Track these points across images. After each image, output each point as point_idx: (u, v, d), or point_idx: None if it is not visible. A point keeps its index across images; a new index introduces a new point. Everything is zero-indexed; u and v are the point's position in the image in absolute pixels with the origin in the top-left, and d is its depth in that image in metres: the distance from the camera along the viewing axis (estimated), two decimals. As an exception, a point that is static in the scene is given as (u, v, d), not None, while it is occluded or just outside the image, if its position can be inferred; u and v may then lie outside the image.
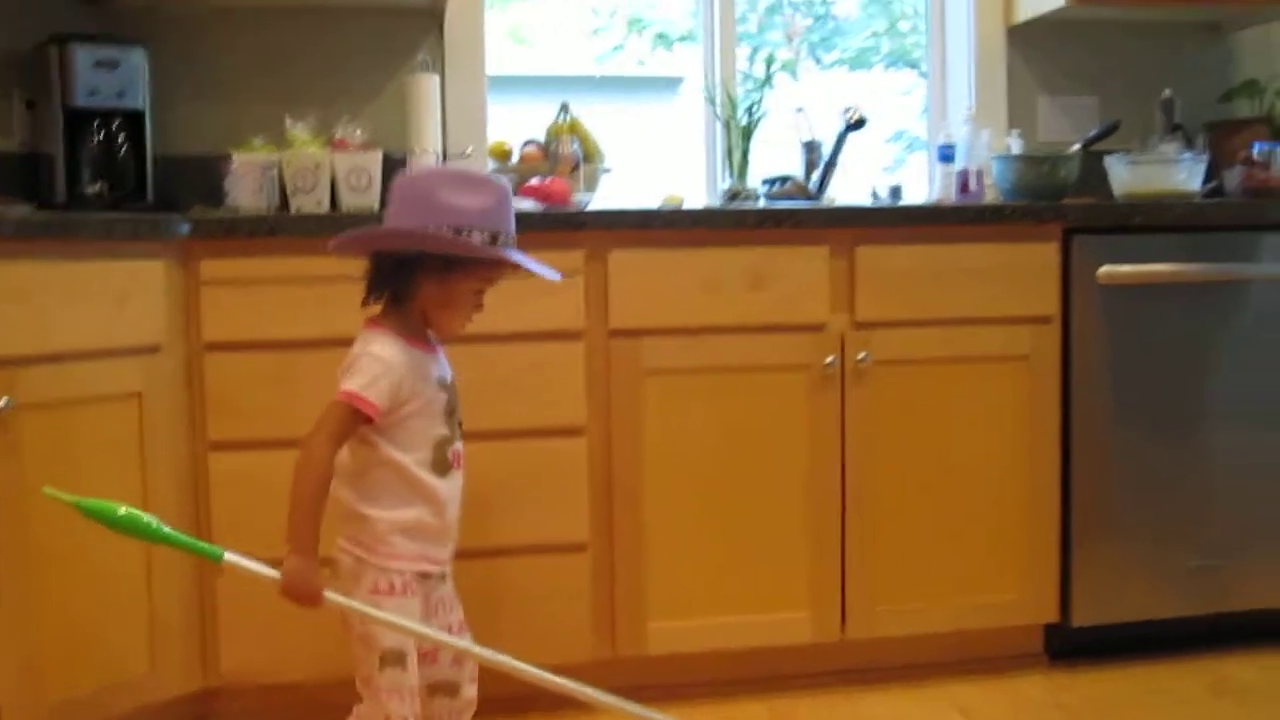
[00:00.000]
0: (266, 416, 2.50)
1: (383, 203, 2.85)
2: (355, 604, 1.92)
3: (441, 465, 1.99)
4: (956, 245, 2.74)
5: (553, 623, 2.63)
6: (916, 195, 3.56)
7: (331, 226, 2.50)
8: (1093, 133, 3.28)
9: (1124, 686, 2.78)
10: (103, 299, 2.35)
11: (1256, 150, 3.14)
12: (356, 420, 1.91)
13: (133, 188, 2.90)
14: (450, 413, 2.02)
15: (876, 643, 2.79)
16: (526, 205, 2.74)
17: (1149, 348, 2.86)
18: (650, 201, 3.03)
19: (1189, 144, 3.37)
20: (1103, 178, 3.17)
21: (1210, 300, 2.88)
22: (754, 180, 3.26)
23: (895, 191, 3.30)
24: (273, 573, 1.88)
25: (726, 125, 3.34)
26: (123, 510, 1.83)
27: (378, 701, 1.96)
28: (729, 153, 3.32)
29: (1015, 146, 3.34)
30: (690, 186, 3.45)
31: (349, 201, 2.80)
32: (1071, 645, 2.92)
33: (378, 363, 1.93)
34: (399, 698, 1.95)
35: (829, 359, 2.67)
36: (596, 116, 3.26)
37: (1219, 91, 3.60)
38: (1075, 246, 2.80)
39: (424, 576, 2.00)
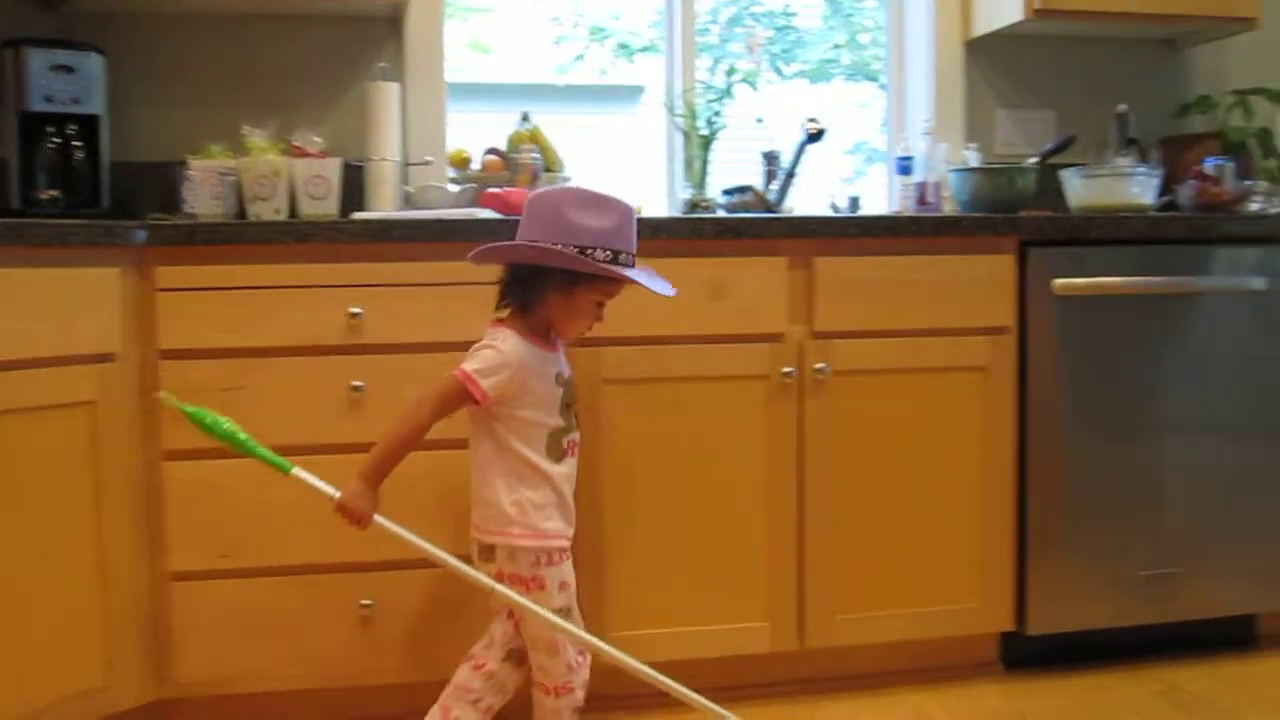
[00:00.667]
0: (222, 425, 2.48)
1: (343, 211, 2.85)
2: (406, 532, 2.16)
3: (556, 453, 2.21)
4: (914, 257, 2.76)
5: (511, 632, 2.62)
6: (875, 207, 3.58)
7: (290, 234, 2.50)
8: (1049, 146, 3.31)
9: (1078, 694, 2.80)
10: (56, 306, 2.33)
11: (1209, 165, 3.18)
12: (464, 399, 2.15)
13: (88, 194, 2.87)
14: (567, 406, 2.24)
15: (835, 651, 2.80)
16: (485, 214, 2.74)
17: (1104, 359, 2.88)
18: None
19: (1144, 158, 3.41)
20: (1059, 191, 3.21)
21: (1164, 312, 2.91)
22: (713, 190, 3.27)
23: (854, 203, 3.32)
24: (333, 490, 2.12)
25: (686, 135, 3.36)
26: (226, 424, 2.10)
27: (555, 653, 2.23)
28: (689, 163, 3.33)
29: (973, 159, 3.37)
30: (650, 196, 3.46)
31: (308, 209, 2.79)
32: (1027, 653, 2.94)
33: (499, 356, 2.16)
34: (565, 651, 2.24)
35: (787, 369, 2.68)
36: (557, 126, 3.26)
37: (1173, 107, 3.65)
38: (1031, 258, 2.83)
39: (561, 555, 2.21)
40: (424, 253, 2.56)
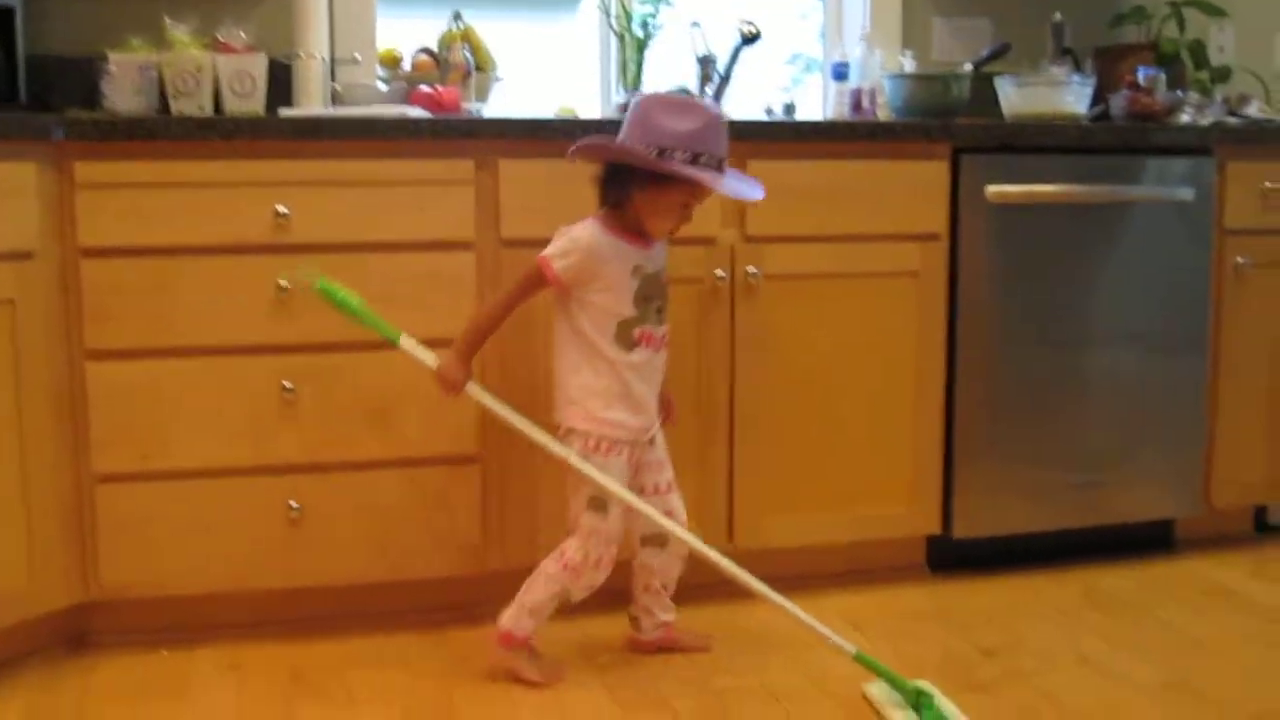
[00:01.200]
0: (145, 324, 2.45)
1: (269, 109, 2.78)
2: (494, 401, 2.35)
3: (626, 341, 2.31)
4: (848, 162, 2.75)
5: (443, 533, 2.63)
6: (811, 114, 3.56)
7: (214, 131, 2.45)
8: (984, 54, 3.30)
9: (1002, 596, 2.86)
10: (-29, 201, 2.27)
11: (1141, 75, 3.19)
12: (541, 281, 2.31)
13: (4, 88, 2.78)
14: (646, 299, 2.32)
15: (764, 554, 2.82)
16: (416, 113, 2.69)
17: (1034, 267, 2.91)
18: (543, 113, 2.99)
19: (1078, 67, 3.42)
20: (993, 99, 3.21)
21: (1094, 221, 2.93)
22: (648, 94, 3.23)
23: (789, 109, 3.30)
24: (432, 361, 2.32)
25: (621, 38, 3.31)
26: (344, 295, 2.31)
27: (580, 539, 2.36)
28: (623, 66, 3.28)
29: (908, 66, 3.35)
30: (584, 99, 3.42)
31: (232, 106, 2.72)
32: (953, 557, 3.00)
33: (573, 243, 2.29)
34: (595, 538, 2.35)
35: (719, 272, 2.67)
36: (491, 28, 3.20)
37: (1108, 17, 3.65)
38: (964, 165, 2.83)
39: (621, 441, 2.33)
40: (353, 151, 2.51)
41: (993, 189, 2.83)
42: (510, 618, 2.38)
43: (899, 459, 2.87)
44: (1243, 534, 3.32)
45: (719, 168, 2.26)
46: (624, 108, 3.13)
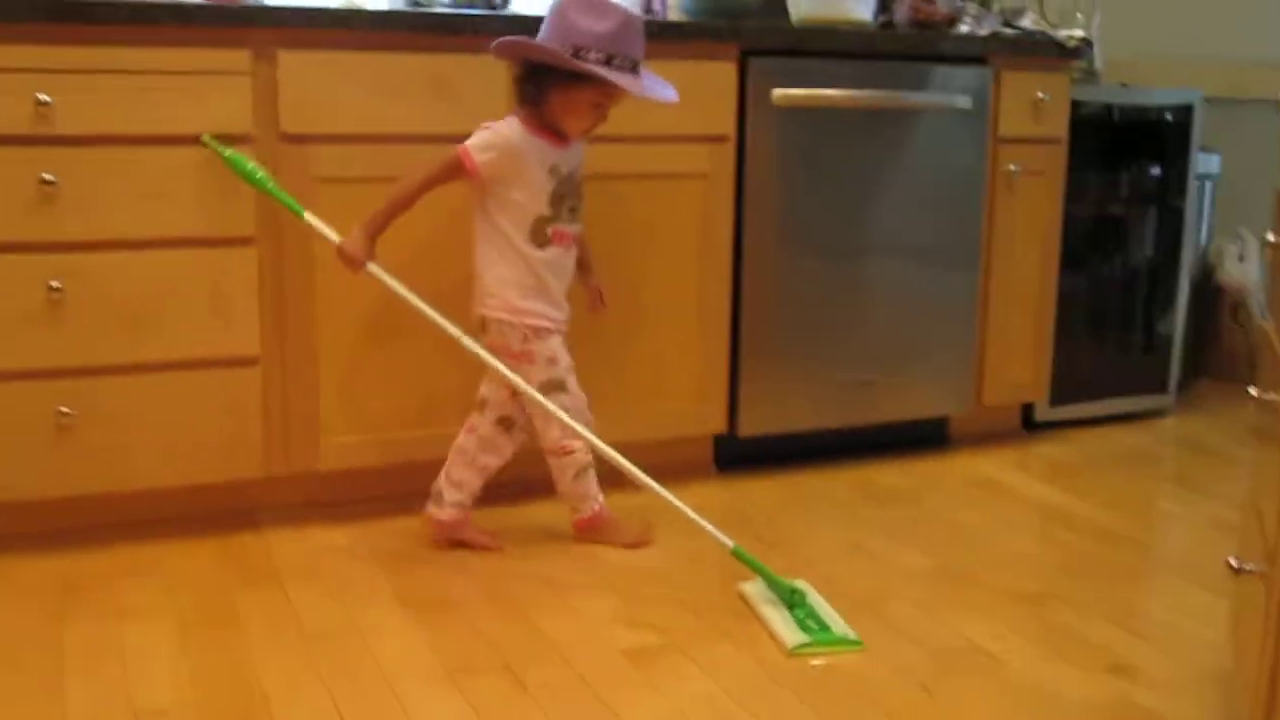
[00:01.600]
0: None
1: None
2: (395, 282, 2.38)
3: (540, 238, 2.40)
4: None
5: (224, 437, 2.56)
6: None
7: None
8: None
9: (784, 492, 2.95)
10: None
11: (924, -16, 3.26)
12: (458, 170, 2.36)
13: None
14: (560, 198, 2.40)
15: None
16: (188, -1, 2.57)
17: (820, 171, 2.97)
18: (325, 2, 2.88)
19: (864, -24, 3.46)
20: (782, 4, 3.23)
21: (879, 127, 3.01)
22: (438, -12, 3.15)
23: (581, 8, 3.26)
24: (336, 236, 2.38)
25: (410, -69, 3.21)
26: (252, 166, 2.39)
27: (546, 420, 2.46)
28: (413, -41, 3.19)
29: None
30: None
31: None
32: (738, 455, 3.07)
33: (495, 136, 2.36)
34: (573, 415, 2.44)
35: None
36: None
37: (895, -73, 3.70)
38: (751, 68, 2.86)
39: (547, 331, 2.43)
40: (123, 36, 2.38)
41: (779, 92, 2.87)
42: (574, 508, 2.57)
43: (687, 359, 2.91)
44: (1012, 431, 3.50)
45: (633, 69, 2.33)
46: (415, 2, 3.06)
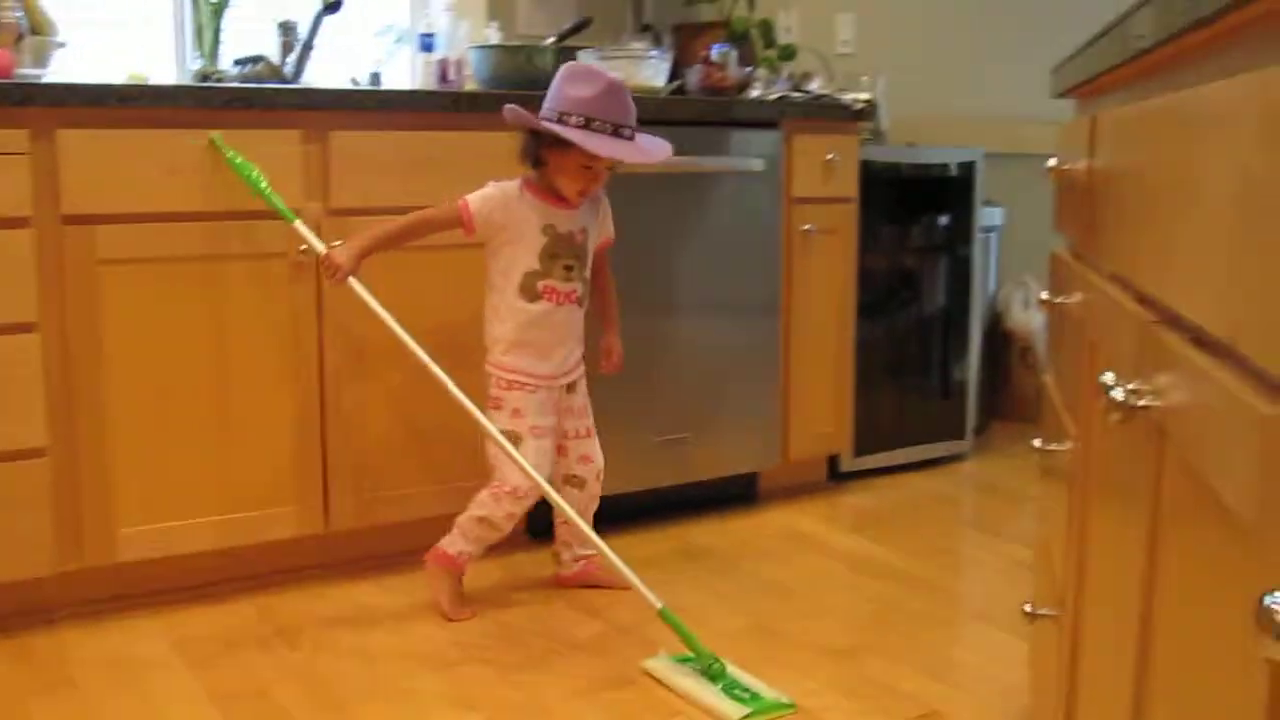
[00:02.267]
0: None
1: None
2: (375, 302, 2.51)
3: (529, 292, 2.51)
4: (433, 133, 2.74)
5: (12, 533, 2.42)
6: (398, 84, 3.52)
7: None
8: (566, 27, 3.36)
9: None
10: None
11: (715, 51, 3.34)
12: (455, 220, 2.51)
13: None
14: (552, 256, 2.51)
15: (364, 532, 2.79)
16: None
17: (622, 236, 2.97)
18: (111, 79, 2.80)
19: (657, 43, 3.54)
20: (577, 72, 3.26)
21: (676, 190, 3.06)
22: (225, 61, 3.10)
23: (374, 78, 3.25)
24: (322, 246, 2.49)
25: (196, 3, 3.15)
26: (256, 174, 2.49)
27: (496, 465, 2.53)
28: (198, 31, 3.13)
29: (494, 37, 3.37)
30: (157, 67, 3.24)
31: None
32: (548, 521, 3.05)
33: (494, 190, 2.53)
34: (510, 471, 2.50)
35: (302, 247, 2.59)
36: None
37: (685, -5, 3.80)
38: (549, 136, 2.87)
39: (521, 386, 2.52)
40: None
41: (577, 160, 2.89)
42: (446, 539, 2.58)
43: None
44: (818, 483, 3.58)
45: (614, 133, 2.43)
46: (201, 76, 3.00)
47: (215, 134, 2.48)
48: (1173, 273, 0.97)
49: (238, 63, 3.04)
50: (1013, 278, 4.27)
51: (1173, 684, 0.95)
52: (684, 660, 2.29)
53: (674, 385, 3.12)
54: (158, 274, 2.48)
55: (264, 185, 2.49)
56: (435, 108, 2.74)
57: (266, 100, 2.55)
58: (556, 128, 2.41)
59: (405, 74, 3.65)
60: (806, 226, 3.29)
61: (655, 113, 3.02)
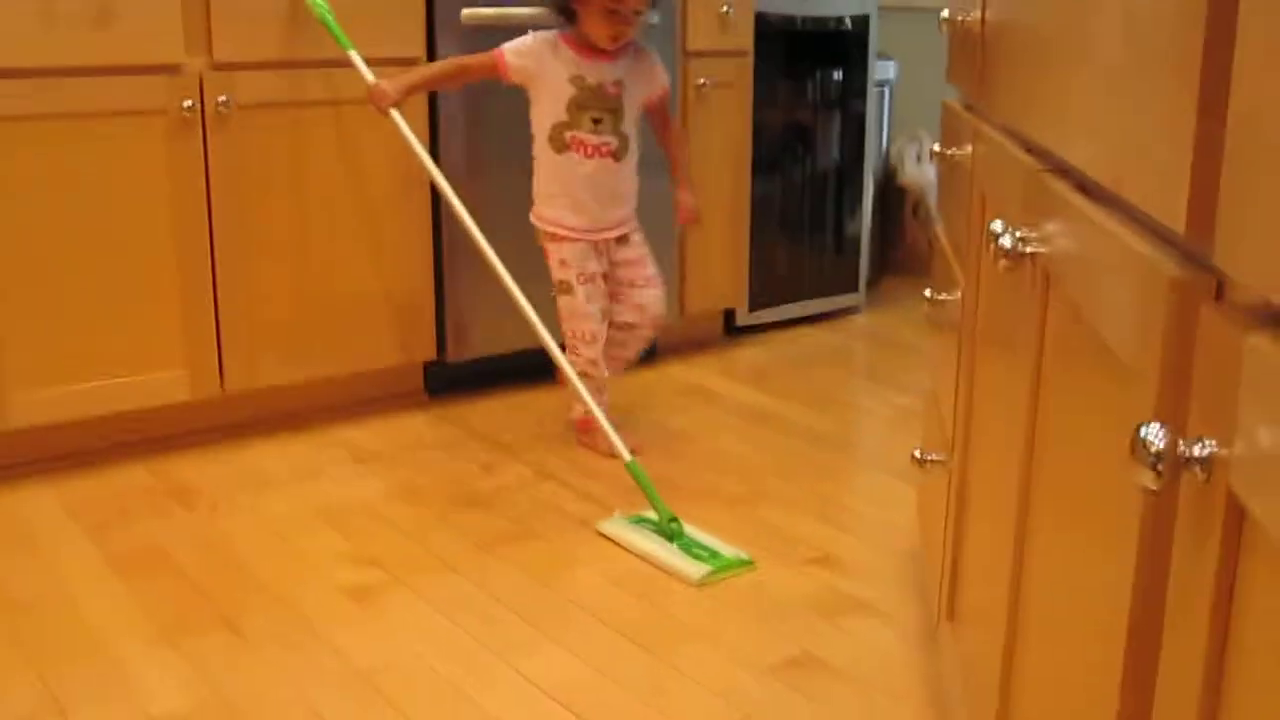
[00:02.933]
0: None
1: None
2: (410, 134, 2.60)
3: (558, 143, 2.57)
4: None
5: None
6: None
7: None
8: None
9: (497, 414, 2.96)
10: None
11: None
12: (491, 68, 2.58)
13: None
14: (580, 107, 2.54)
15: (258, 394, 2.77)
16: None
17: (510, 90, 2.94)
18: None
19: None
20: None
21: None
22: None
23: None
24: (370, 75, 2.58)
25: None
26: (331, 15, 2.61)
27: (562, 322, 2.66)
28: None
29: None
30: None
31: None
32: (449, 380, 3.06)
33: (529, 40, 2.58)
34: (571, 317, 2.64)
35: (187, 102, 2.51)
36: None
37: None
38: (439, -12, 2.81)
39: (560, 237, 2.61)
40: None
41: (467, 12, 2.83)
42: (573, 409, 2.72)
43: (390, 289, 2.87)
44: (715, 338, 3.61)
45: None
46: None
47: None
48: (1061, 122, 0.99)
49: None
50: (906, 132, 4.30)
51: (1053, 518, 1.00)
52: (639, 521, 2.32)
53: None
54: (38, 132, 2.39)
55: (328, 13, 2.59)
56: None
57: (141, -52, 2.44)
58: None
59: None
60: (701, 81, 3.27)
61: (547, -37, 2.95)
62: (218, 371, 2.67)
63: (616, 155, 2.61)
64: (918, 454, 1.88)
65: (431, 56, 2.82)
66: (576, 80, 2.55)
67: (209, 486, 2.51)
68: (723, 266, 3.46)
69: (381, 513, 2.40)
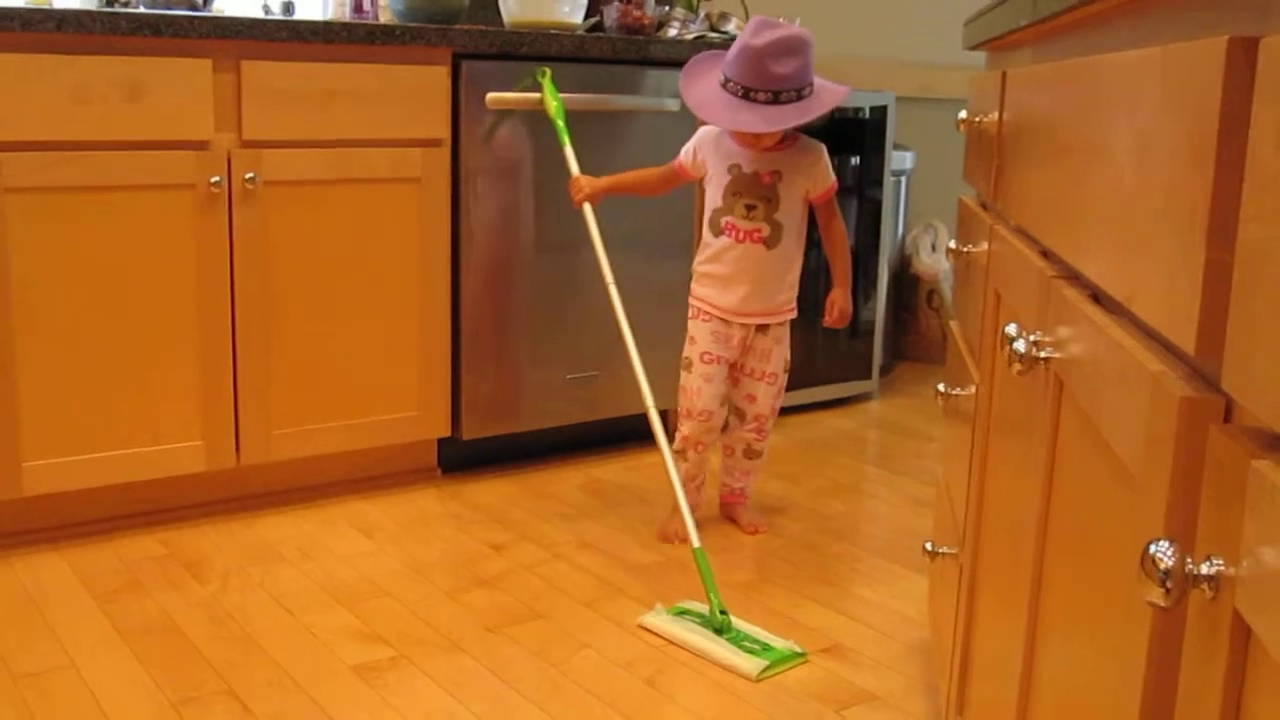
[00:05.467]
0: None
1: None
2: (595, 230, 2.77)
3: (715, 227, 2.67)
4: (348, 65, 2.70)
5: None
6: (312, 15, 3.46)
7: None
8: (484, -40, 3.33)
9: (510, 491, 2.97)
10: None
11: (632, -12, 3.33)
12: (675, 171, 2.75)
13: None
14: (735, 194, 2.63)
15: (273, 467, 2.79)
16: None
17: (534, 173, 3.00)
18: (13, 3, 2.72)
19: (574, -22, 3.51)
20: (494, 6, 3.24)
21: (591, 129, 3.05)
22: (133, -14, 3.02)
23: (287, 8, 3.19)
24: (576, 168, 2.81)
25: (100, -77, 3.06)
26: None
27: (679, 398, 2.75)
28: (104, -46, 3.04)
29: (410, -31, 3.32)
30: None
31: None
32: (462, 457, 3.07)
33: (698, 135, 2.72)
34: (682, 393, 2.74)
35: (215, 178, 2.56)
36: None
37: (602, -71, 3.77)
38: (465, 71, 2.86)
39: (699, 314, 2.71)
40: None
41: (493, 95, 2.88)
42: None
43: (407, 365, 2.89)
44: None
45: (742, 94, 2.50)
46: (108, 0, 2.93)
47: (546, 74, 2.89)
48: (1076, 232, 1.01)
49: (146, -13, 2.97)
50: (921, 221, 4.34)
51: (1064, 619, 1.01)
52: (681, 613, 2.29)
53: (587, 323, 3.14)
54: (65, 203, 2.44)
55: (561, 118, 2.84)
56: (350, 39, 2.71)
57: (177, 27, 2.50)
58: (688, 88, 2.61)
59: (317, 3, 3.58)
60: (721, 167, 3.31)
61: (572, 50, 3.02)
62: (234, 444, 2.69)
63: (768, 243, 2.64)
64: (929, 546, 1.89)
65: (456, 139, 2.87)
66: (734, 169, 2.63)
67: (221, 559, 2.52)
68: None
69: (391, 589, 2.41)
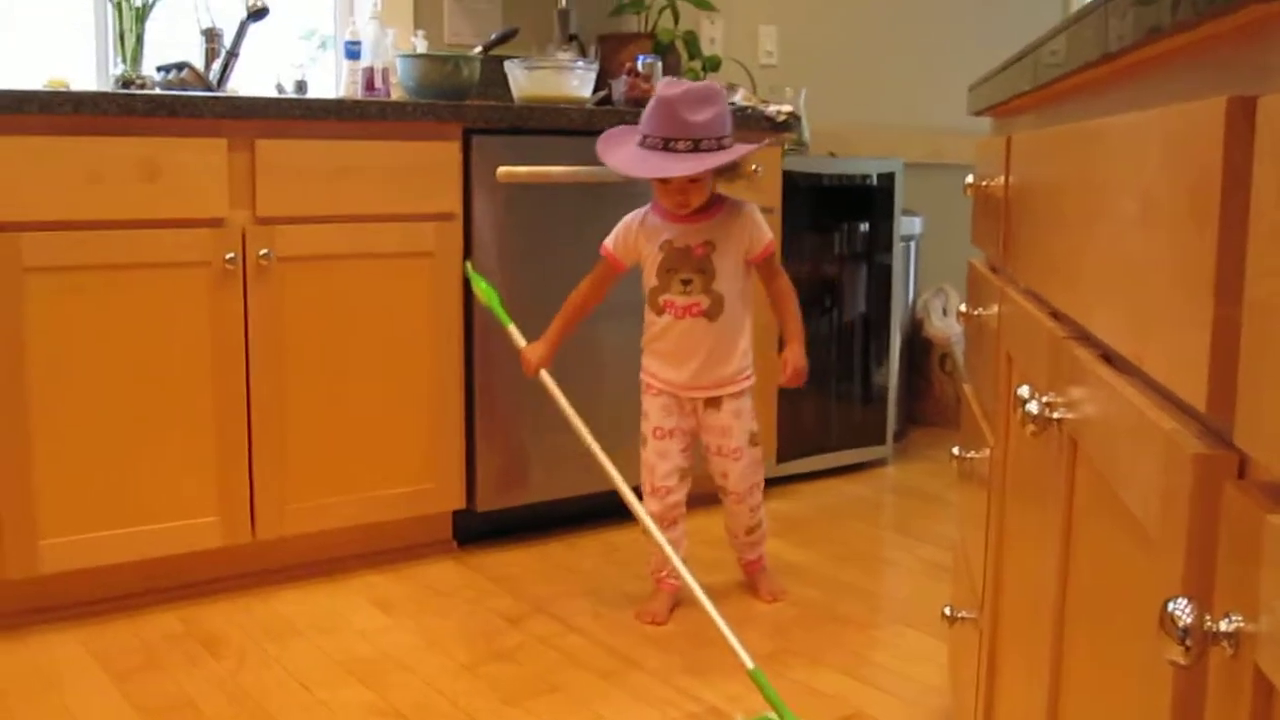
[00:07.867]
0: None
1: None
2: (557, 392, 2.59)
3: (655, 306, 2.62)
4: (360, 142, 2.74)
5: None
6: (324, 92, 3.51)
7: None
8: (493, 36, 3.38)
9: (526, 561, 2.97)
10: None
11: (640, 62, 3.38)
12: (607, 265, 2.66)
13: None
14: (669, 270, 2.58)
15: (288, 541, 2.79)
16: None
17: (545, 246, 3.02)
18: (30, 86, 2.77)
19: (582, 53, 3.56)
20: (504, 81, 3.29)
21: (600, 201, 3.07)
22: (149, 68, 3.07)
23: (301, 86, 3.24)
24: (522, 342, 2.63)
25: (118, 7, 3.12)
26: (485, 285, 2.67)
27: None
28: (121, 37, 3.10)
29: (420, 46, 3.38)
30: (78, 72, 3.20)
31: None
32: (478, 528, 3.07)
33: (622, 223, 2.65)
34: (643, 469, 2.68)
35: (229, 255, 2.59)
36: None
37: (610, 6, 3.83)
38: (475, 146, 2.89)
39: (648, 388, 2.67)
40: None
41: (503, 169, 2.91)
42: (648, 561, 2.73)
43: (420, 438, 2.90)
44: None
45: (663, 147, 2.44)
46: (124, 82, 2.98)
47: (468, 266, 2.77)
48: (1084, 293, 1.02)
49: (161, 69, 3.02)
50: (932, 285, 4.35)
51: (1085, 681, 1.00)
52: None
53: (600, 392, 3.14)
54: (82, 282, 2.46)
55: (493, 296, 2.65)
56: (363, 116, 2.74)
57: (192, 108, 2.54)
58: (606, 155, 2.55)
59: (329, 80, 3.64)
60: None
61: (581, 123, 3.05)
62: (249, 519, 2.69)
63: (709, 315, 2.58)
64: (948, 611, 1.87)
65: (469, 213, 2.89)
66: (665, 245, 2.58)
67: (237, 635, 2.51)
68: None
69: (406, 663, 2.39)
